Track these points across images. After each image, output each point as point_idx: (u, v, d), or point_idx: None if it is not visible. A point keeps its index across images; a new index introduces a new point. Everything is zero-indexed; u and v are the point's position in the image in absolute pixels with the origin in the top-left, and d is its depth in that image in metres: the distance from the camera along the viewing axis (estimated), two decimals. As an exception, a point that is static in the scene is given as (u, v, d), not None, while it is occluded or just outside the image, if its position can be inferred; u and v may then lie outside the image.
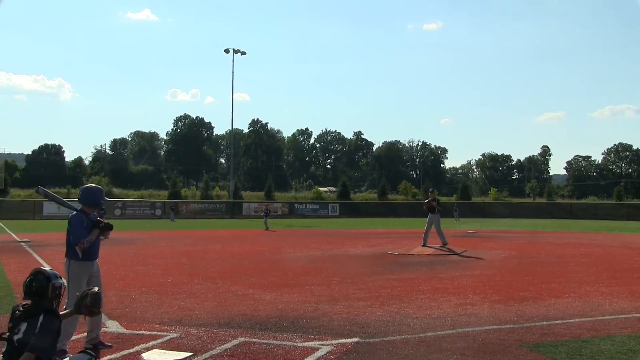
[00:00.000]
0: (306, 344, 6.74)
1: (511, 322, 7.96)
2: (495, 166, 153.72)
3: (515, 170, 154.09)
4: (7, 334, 4.46)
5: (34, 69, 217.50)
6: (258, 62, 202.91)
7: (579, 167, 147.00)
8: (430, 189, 23.27)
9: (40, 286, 4.54)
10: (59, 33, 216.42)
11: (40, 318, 4.42)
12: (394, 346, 6.62)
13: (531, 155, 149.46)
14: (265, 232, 32.79)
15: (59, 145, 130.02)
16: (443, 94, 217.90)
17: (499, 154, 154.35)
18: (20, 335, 4.36)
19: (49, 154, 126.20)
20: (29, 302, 4.58)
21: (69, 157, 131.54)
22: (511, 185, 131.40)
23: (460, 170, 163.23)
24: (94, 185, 6.84)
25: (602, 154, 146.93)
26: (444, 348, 6.51)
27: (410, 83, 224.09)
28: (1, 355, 4.48)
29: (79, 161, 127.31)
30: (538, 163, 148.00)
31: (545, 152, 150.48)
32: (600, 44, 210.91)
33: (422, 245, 19.43)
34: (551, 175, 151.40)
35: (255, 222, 52.79)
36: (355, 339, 6.93)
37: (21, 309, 4.56)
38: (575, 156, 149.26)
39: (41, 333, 4.35)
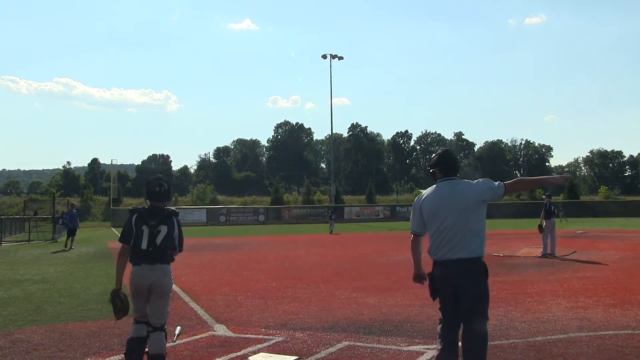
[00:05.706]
0: (411, 347, 6.67)
1: (630, 327, 7.50)
2: (605, 163, 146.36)
3: (627, 167, 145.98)
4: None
5: (143, 83, 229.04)
6: (357, 66, 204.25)
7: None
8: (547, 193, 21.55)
9: None
10: (164, 47, 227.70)
11: None
12: (501, 350, 6.42)
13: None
14: (371, 235, 32.63)
15: (166, 155, 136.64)
16: (547, 90, 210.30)
17: (609, 150, 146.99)
18: None
19: (157, 164, 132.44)
20: None
21: (175, 166, 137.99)
22: (623, 183, 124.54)
23: (566, 169, 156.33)
24: None
25: None
26: (556, 353, 6.24)
27: (512, 80, 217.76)
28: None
29: (185, 170, 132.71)
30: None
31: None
32: None
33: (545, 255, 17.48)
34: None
35: (356, 225, 52.89)
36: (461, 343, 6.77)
37: None
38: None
39: None
